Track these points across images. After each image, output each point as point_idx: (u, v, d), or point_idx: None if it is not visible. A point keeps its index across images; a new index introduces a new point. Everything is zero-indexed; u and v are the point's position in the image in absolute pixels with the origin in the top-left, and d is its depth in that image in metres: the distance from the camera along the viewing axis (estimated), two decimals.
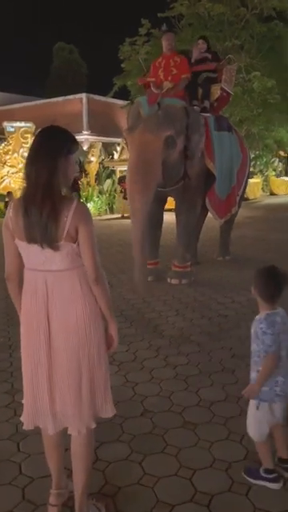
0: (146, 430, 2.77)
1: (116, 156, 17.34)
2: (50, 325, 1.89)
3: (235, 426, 2.76)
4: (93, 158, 17.22)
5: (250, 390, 2.25)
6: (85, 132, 18.73)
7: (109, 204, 17.26)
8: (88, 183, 16.12)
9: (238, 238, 9.40)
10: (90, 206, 15.45)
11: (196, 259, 7.37)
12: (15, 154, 15.50)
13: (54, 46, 32.04)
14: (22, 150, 15.14)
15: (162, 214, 6.83)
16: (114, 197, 16.96)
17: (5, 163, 15.81)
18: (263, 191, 23.86)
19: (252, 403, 2.29)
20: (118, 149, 17.19)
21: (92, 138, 18.58)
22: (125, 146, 14.61)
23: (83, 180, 15.74)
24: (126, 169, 16.36)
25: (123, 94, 17.59)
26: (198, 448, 2.59)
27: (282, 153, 24.96)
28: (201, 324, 4.68)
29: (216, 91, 6.95)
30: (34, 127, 15.03)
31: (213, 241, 8.51)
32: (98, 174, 17.11)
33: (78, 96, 19.34)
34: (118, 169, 16.68)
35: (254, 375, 2.26)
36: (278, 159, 25.75)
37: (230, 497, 2.20)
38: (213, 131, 6.47)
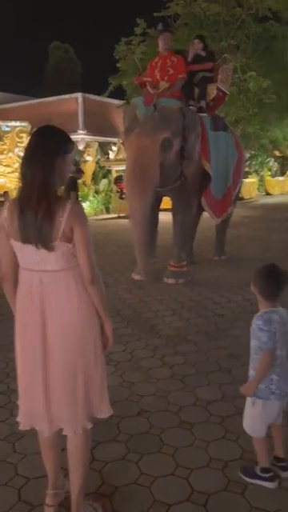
0: (142, 430, 2.77)
1: (112, 156, 17.32)
2: (45, 325, 1.88)
3: (232, 426, 2.77)
4: (89, 158, 17.19)
5: (247, 388, 2.26)
6: (80, 131, 18.69)
7: (105, 204, 17.23)
8: (84, 183, 16.09)
9: (234, 238, 9.41)
10: (85, 205, 15.42)
11: (192, 259, 7.38)
12: (10, 154, 15.44)
13: (50, 46, 31.95)
14: (17, 150, 15.08)
15: (158, 213, 6.84)
16: (110, 196, 16.94)
17: (0, 163, 15.78)
18: (259, 191, 23.90)
19: (248, 400, 2.30)
20: (114, 148, 17.17)
21: (88, 138, 18.55)
22: (121, 146, 14.64)
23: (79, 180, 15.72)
24: (122, 168, 16.40)
25: (119, 93, 17.57)
26: (195, 447, 2.59)
27: (277, 153, 25.06)
28: (197, 323, 4.69)
29: (212, 91, 6.95)
30: (30, 127, 14.98)
31: (209, 241, 8.53)
32: (94, 174, 17.08)
33: (73, 95, 19.30)
34: (114, 168, 16.66)
35: (252, 372, 2.27)
36: (273, 159, 25.83)
37: (227, 496, 2.20)
38: (209, 131, 6.47)
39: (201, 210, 6.98)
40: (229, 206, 7.20)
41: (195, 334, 4.40)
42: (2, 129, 15.42)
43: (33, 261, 1.86)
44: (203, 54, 6.91)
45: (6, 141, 15.44)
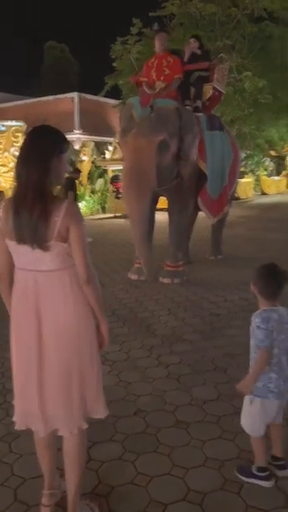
0: (138, 430, 2.77)
1: (108, 155, 17.31)
2: (41, 325, 1.88)
3: (228, 425, 2.78)
4: (85, 158, 17.17)
5: (243, 385, 2.26)
6: (76, 131, 18.62)
7: (101, 203, 17.23)
8: (80, 182, 16.06)
9: (231, 238, 9.44)
10: (82, 205, 15.41)
11: (188, 258, 7.39)
12: (6, 153, 15.40)
13: (45, 45, 31.89)
14: (12, 149, 15.04)
15: (154, 213, 6.84)
16: (106, 196, 16.94)
17: None
18: (254, 191, 23.96)
19: (246, 398, 2.31)
20: (110, 148, 17.16)
21: (84, 137, 18.50)
22: (117, 146, 14.61)
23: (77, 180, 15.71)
24: (118, 168, 16.38)
25: (115, 93, 17.57)
26: (191, 447, 2.59)
27: (272, 152, 25.12)
28: (193, 323, 4.69)
29: (208, 90, 6.97)
30: (25, 126, 14.95)
31: (205, 240, 8.55)
32: (90, 174, 17.07)
33: (69, 95, 19.23)
34: (110, 168, 16.65)
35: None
36: (269, 159, 25.90)
37: (223, 495, 2.21)
38: (205, 131, 6.49)
39: (197, 209, 7.00)
40: (225, 205, 7.22)
41: (191, 333, 4.41)
42: None
43: (28, 261, 1.85)
44: (199, 52, 6.91)
45: (1, 140, 15.40)
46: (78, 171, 11.13)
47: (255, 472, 2.28)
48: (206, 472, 2.37)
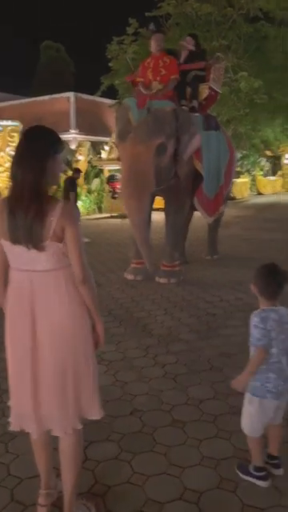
0: (135, 429, 2.78)
1: (104, 155, 17.30)
2: (35, 325, 1.88)
3: (224, 424, 2.79)
4: (81, 157, 17.16)
5: (237, 381, 2.27)
6: (72, 131, 18.61)
7: (97, 203, 17.22)
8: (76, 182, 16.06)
9: (226, 238, 9.46)
10: (78, 205, 15.38)
11: (184, 258, 7.40)
12: (2, 153, 15.35)
13: (41, 45, 31.80)
14: (8, 149, 15.00)
15: (151, 213, 6.85)
16: (103, 196, 16.93)
17: None
18: (250, 191, 24.02)
19: (246, 397, 2.31)
20: (107, 148, 17.15)
21: (80, 137, 18.49)
22: (113, 146, 14.61)
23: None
24: (114, 168, 16.36)
25: (111, 92, 17.56)
26: (187, 446, 2.60)
27: (268, 152, 25.19)
28: (189, 323, 4.70)
29: (204, 90, 6.97)
30: (21, 126, 14.93)
31: (201, 240, 8.56)
32: (86, 173, 17.06)
33: (65, 95, 19.22)
34: (107, 168, 16.65)
35: None
36: (264, 159, 25.97)
37: (219, 494, 2.22)
38: (201, 131, 6.49)
39: (192, 209, 7.02)
40: (221, 205, 7.24)
41: (187, 333, 4.42)
42: None
43: (23, 261, 1.86)
44: (193, 48, 6.90)
45: None
46: (78, 171, 11.17)
47: (252, 471, 2.29)
48: (202, 471, 2.38)
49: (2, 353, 2.01)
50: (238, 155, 20.76)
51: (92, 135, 18.71)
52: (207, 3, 14.07)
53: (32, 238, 1.78)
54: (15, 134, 15.05)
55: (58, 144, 1.88)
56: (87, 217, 15.32)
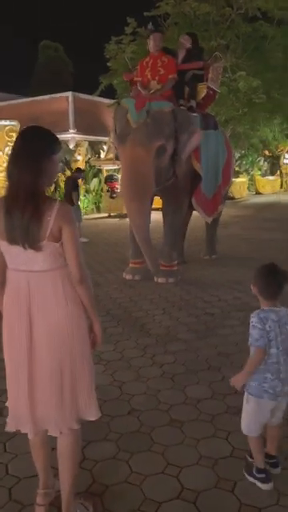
0: (133, 429, 2.78)
1: (103, 155, 17.29)
2: (32, 326, 1.88)
3: (221, 423, 2.79)
4: (79, 157, 17.14)
5: (236, 379, 2.27)
6: (71, 130, 18.59)
7: (95, 203, 17.22)
8: None
9: (225, 237, 9.47)
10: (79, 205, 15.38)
11: (183, 258, 7.41)
12: (0, 153, 15.35)
13: (40, 44, 31.76)
14: (7, 149, 15.00)
15: (150, 214, 6.86)
16: (101, 196, 16.92)
17: None
18: (249, 190, 24.04)
19: (244, 397, 2.31)
20: (105, 147, 17.14)
21: (78, 137, 18.47)
22: (111, 145, 14.59)
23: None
24: (112, 168, 16.31)
25: (109, 92, 17.55)
26: (185, 445, 2.60)
27: (267, 152, 25.21)
28: (187, 322, 4.71)
29: (202, 90, 6.97)
30: (19, 125, 14.90)
31: (199, 240, 8.57)
32: (84, 173, 17.04)
33: (63, 94, 19.19)
34: (105, 168, 16.63)
35: None
36: (263, 158, 25.98)
37: (217, 493, 2.22)
38: (199, 131, 6.49)
39: (191, 209, 7.03)
40: (219, 204, 7.26)
41: (185, 332, 4.43)
42: None
43: (20, 261, 1.86)
44: (190, 45, 6.90)
45: None
46: (80, 171, 11.19)
47: (254, 472, 2.28)
48: (199, 470, 2.39)
49: (0, 353, 2.01)
50: (237, 155, 20.81)
51: (90, 135, 18.70)
52: (205, 3, 14.06)
53: (29, 238, 1.78)
54: (13, 134, 15.04)
55: (54, 144, 1.88)
56: (85, 216, 15.29)
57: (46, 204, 1.79)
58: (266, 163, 26.61)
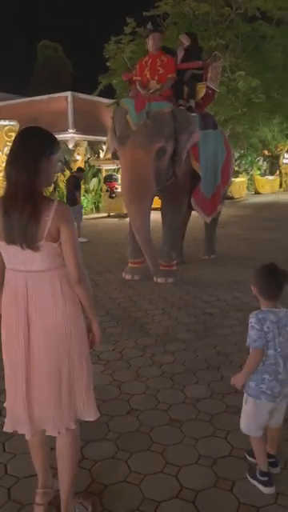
0: (132, 428, 2.78)
1: (102, 155, 17.28)
2: (30, 326, 1.88)
3: (220, 423, 2.80)
4: (78, 157, 17.15)
5: (235, 379, 2.27)
6: (70, 130, 18.60)
7: (95, 203, 17.22)
8: None
9: (224, 237, 9.48)
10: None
11: (182, 258, 7.41)
12: None
13: (39, 44, 31.74)
14: (6, 149, 15.00)
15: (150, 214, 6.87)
16: (100, 196, 16.92)
17: None
18: (248, 190, 24.05)
19: (244, 397, 2.31)
20: (104, 147, 17.13)
21: (77, 137, 18.48)
22: (109, 145, 14.57)
23: (64, 179, 15.71)
24: (111, 167, 16.28)
25: (109, 92, 17.55)
26: (184, 445, 2.61)
27: (266, 152, 25.21)
28: (186, 322, 4.71)
29: (201, 89, 6.98)
30: (18, 125, 14.90)
31: (198, 240, 8.57)
32: (84, 173, 17.04)
33: (63, 94, 19.20)
34: (104, 167, 16.64)
35: None
36: (262, 158, 25.99)
37: (215, 492, 2.23)
38: (198, 131, 6.49)
39: (190, 209, 7.03)
40: (218, 204, 7.26)
41: (184, 332, 4.43)
42: None
43: (18, 261, 1.86)
44: (188, 42, 6.90)
45: None
46: (82, 170, 11.25)
47: (258, 475, 2.27)
48: (198, 470, 2.39)
49: (0, 352, 2.02)
50: (236, 155, 20.81)
51: (90, 135, 18.70)
52: (205, 3, 14.06)
53: (27, 238, 1.78)
54: (12, 134, 15.04)
55: (53, 144, 1.88)
56: (85, 216, 15.27)
57: (43, 204, 1.79)
58: (265, 163, 26.62)
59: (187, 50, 6.90)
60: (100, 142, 18.19)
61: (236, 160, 22.04)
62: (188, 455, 2.51)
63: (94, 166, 17.15)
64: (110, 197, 15.79)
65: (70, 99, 18.87)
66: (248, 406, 2.28)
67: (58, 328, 1.88)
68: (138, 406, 3.04)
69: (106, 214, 16.02)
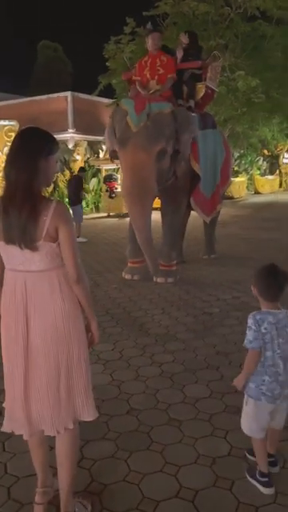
0: (131, 428, 2.79)
1: (101, 154, 17.29)
2: (29, 326, 1.89)
3: (219, 422, 2.80)
4: (78, 157, 17.15)
5: (237, 381, 2.27)
6: (70, 130, 18.60)
7: (94, 203, 17.22)
8: None
9: (224, 237, 9.48)
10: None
11: (182, 258, 7.42)
12: None
13: (39, 44, 31.75)
14: (5, 149, 15.02)
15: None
16: (100, 195, 16.92)
17: None
18: (248, 190, 24.04)
19: (244, 398, 2.31)
20: (104, 147, 17.13)
21: (77, 137, 18.49)
22: (108, 144, 14.57)
23: (64, 179, 15.72)
24: (111, 167, 16.26)
25: (108, 92, 17.54)
26: (183, 444, 2.61)
27: (266, 152, 25.21)
28: (186, 322, 4.72)
29: (201, 89, 6.98)
30: (18, 125, 14.91)
31: (198, 240, 8.57)
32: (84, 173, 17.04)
33: (62, 94, 19.20)
34: (104, 167, 16.64)
35: None
36: (262, 158, 25.99)
37: (215, 492, 2.23)
38: (198, 131, 6.50)
39: (189, 209, 7.03)
40: (217, 203, 7.27)
41: (184, 332, 4.43)
42: None
43: (17, 261, 1.86)
44: (186, 41, 6.91)
45: None
46: (84, 170, 11.28)
47: (257, 475, 2.27)
48: (198, 469, 2.40)
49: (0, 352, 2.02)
50: (236, 154, 20.81)
51: (89, 135, 18.70)
52: (204, 2, 14.05)
53: (25, 238, 1.79)
54: (12, 134, 15.04)
55: (52, 144, 1.89)
56: (84, 216, 15.28)
57: (42, 204, 1.80)
58: (265, 163, 26.62)
59: (186, 49, 6.89)
60: (100, 142, 18.18)
61: (236, 160, 22.05)
62: (187, 455, 2.51)
63: (93, 165, 17.15)
64: (110, 197, 15.79)
65: (69, 99, 18.87)
66: (249, 408, 2.27)
67: (56, 328, 1.89)
68: (138, 406, 3.04)
69: (105, 214, 16.02)
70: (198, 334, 4.35)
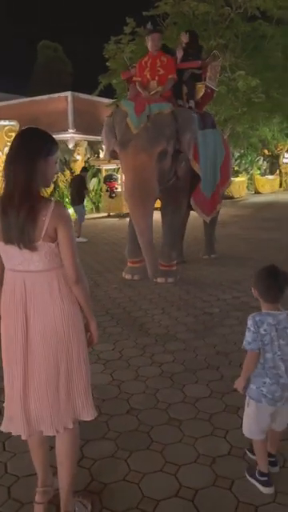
0: (131, 428, 2.79)
1: (102, 155, 17.27)
2: (28, 326, 1.89)
3: (219, 422, 2.81)
4: (78, 157, 17.16)
5: (237, 383, 2.27)
6: (70, 130, 18.59)
7: (95, 203, 17.22)
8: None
9: (224, 237, 9.48)
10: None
11: (182, 258, 7.42)
12: None
13: (39, 44, 31.74)
14: (6, 149, 15.03)
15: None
16: (100, 196, 16.93)
17: None
18: (248, 190, 24.05)
19: (246, 400, 2.30)
20: (104, 147, 17.14)
21: (77, 137, 18.48)
22: (108, 144, 14.56)
23: (64, 179, 15.73)
24: (111, 167, 16.25)
25: (109, 92, 17.55)
26: (183, 444, 2.62)
27: (266, 151, 25.22)
28: (186, 322, 4.72)
29: (200, 89, 6.99)
30: (19, 126, 14.92)
31: (198, 240, 8.58)
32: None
33: (63, 94, 19.18)
34: (104, 167, 16.65)
35: None
36: (262, 158, 26.00)
37: (214, 491, 2.24)
38: (198, 131, 6.50)
39: (189, 209, 7.04)
40: (217, 203, 7.28)
41: (184, 332, 4.44)
42: None
43: (16, 261, 1.87)
44: (185, 40, 6.91)
45: None
46: (86, 170, 11.31)
47: (257, 475, 2.28)
48: (197, 468, 2.40)
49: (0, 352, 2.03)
50: (236, 154, 20.81)
51: (90, 135, 18.68)
52: (204, 2, 14.06)
53: (24, 238, 1.79)
54: (12, 134, 15.04)
55: (51, 145, 1.89)
56: (85, 216, 15.31)
57: (41, 204, 1.80)
58: (265, 162, 26.64)
59: (186, 49, 6.89)
60: (100, 142, 18.13)
61: (236, 159, 22.07)
62: (187, 454, 2.52)
63: (93, 165, 17.16)
64: (110, 197, 15.80)
65: (69, 99, 18.86)
66: (250, 409, 2.27)
67: (56, 328, 1.89)
68: (138, 406, 3.05)
69: (105, 214, 16.03)
70: (198, 334, 4.35)
